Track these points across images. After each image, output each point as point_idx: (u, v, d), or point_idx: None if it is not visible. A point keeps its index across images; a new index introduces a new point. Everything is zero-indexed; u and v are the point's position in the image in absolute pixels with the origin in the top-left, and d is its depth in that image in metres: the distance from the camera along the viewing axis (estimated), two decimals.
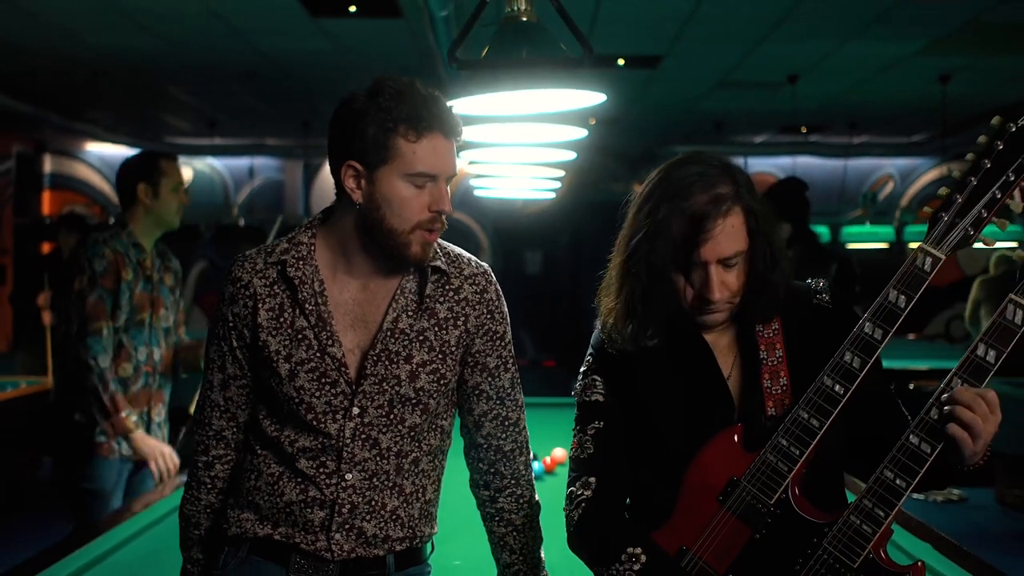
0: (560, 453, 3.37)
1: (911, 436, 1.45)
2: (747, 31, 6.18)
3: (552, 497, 1.96)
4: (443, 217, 1.65)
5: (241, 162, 11.38)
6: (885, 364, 5.09)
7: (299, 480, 1.68)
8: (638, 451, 1.64)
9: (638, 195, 1.64)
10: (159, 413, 3.48)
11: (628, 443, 1.64)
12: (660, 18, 5.88)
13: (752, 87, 7.84)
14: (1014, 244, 7.64)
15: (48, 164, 11.47)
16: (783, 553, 1.51)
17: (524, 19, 2.10)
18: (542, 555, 1.86)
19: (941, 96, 7.68)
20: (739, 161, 11.45)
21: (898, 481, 1.44)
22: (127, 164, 3.55)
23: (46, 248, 11.22)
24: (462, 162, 7.34)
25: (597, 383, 1.67)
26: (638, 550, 1.55)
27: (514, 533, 1.82)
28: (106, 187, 11.50)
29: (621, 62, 7.07)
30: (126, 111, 9.46)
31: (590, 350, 1.72)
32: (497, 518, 1.82)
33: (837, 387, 1.48)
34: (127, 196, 3.48)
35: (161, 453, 3.30)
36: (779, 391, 1.58)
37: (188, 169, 11.34)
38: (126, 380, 3.36)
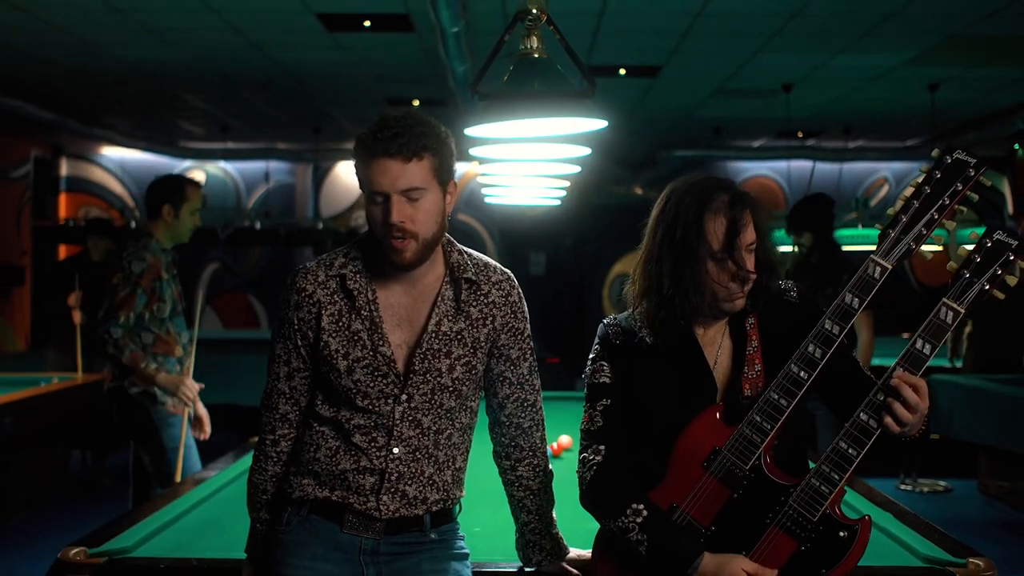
0: (566, 440, 3.67)
1: (861, 414, 1.74)
2: (743, 43, 6.42)
3: (559, 477, 2.24)
4: (398, 228, 1.86)
5: (252, 165, 11.55)
6: (877, 363, 5.44)
7: (353, 452, 1.96)
8: (636, 425, 1.94)
9: (660, 210, 1.94)
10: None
11: (629, 418, 1.94)
12: (659, 31, 6.13)
13: (748, 95, 8.06)
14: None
15: (64, 168, 11.72)
16: (756, 509, 1.81)
17: (536, 56, 2.40)
18: (554, 515, 2.16)
19: (931, 103, 7.94)
20: (737, 164, 11.72)
21: (850, 451, 1.74)
22: (157, 184, 4.08)
23: (63, 250, 11.49)
24: (466, 167, 7.58)
25: (604, 368, 1.98)
26: (640, 506, 1.85)
27: (531, 496, 2.12)
28: (121, 190, 11.74)
29: (622, 72, 7.33)
30: (143, 117, 9.67)
31: (597, 341, 2.03)
32: (517, 484, 2.12)
33: (802, 373, 1.78)
34: (152, 211, 4.03)
35: (183, 383, 3.80)
36: (754, 375, 1.89)
37: (201, 173, 11.56)
38: (182, 360, 3.92)
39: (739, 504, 1.82)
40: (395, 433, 1.95)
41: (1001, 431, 5.78)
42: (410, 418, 1.96)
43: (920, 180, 1.80)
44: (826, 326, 1.78)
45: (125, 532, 2.36)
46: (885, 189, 11.75)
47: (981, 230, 6.32)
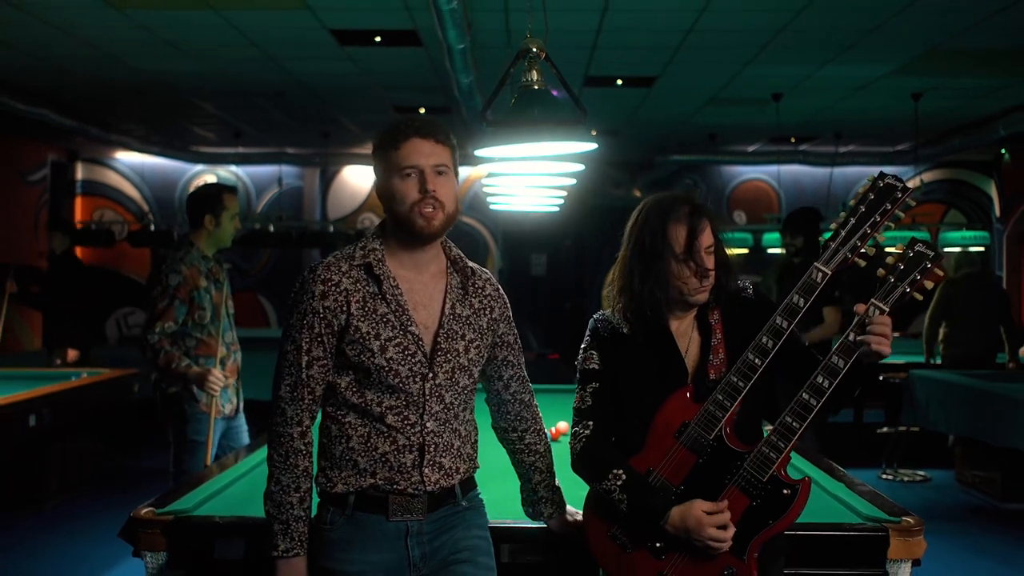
0: (564, 426, 4.03)
1: (803, 393, 2.11)
2: (733, 56, 6.76)
3: (557, 457, 2.55)
4: (432, 195, 2.10)
5: (262, 170, 11.85)
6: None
7: (388, 433, 2.11)
8: (621, 404, 2.31)
9: (632, 223, 2.33)
10: (238, 380, 4.39)
11: (614, 399, 2.31)
12: (653, 46, 6.48)
13: (740, 103, 8.38)
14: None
15: (80, 171, 12.06)
16: (718, 472, 2.18)
17: (536, 87, 2.77)
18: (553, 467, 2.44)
19: (915, 111, 8.23)
20: (732, 168, 12.05)
21: (794, 424, 2.11)
22: (195, 196, 4.35)
23: (79, 252, 11.85)
24: (469, 171, 7.95)
25: (594, 356, 2.36)
26: (620, 471, 2.22)
27: (540, 459, 2.41)
28: (135, 193, 12.09)
29: (619, 82, 7.67)
30: (158, 123, 10.00)
31: (588, 333, 2.41)
32: (526, 451, 2.40)
33: (756, 360, 2.15)
34: (194, 221, 4.30)
35: (210, 373, 4.06)
36: (718, 362, 2.26)
37: (212, 176, 11.90)
38: (224, 359, 4.22)
39: (704, 468, 2.19)
40: (426, 408, 2.13)
41: (973, 423, 6.14)
42: (436, 395, 2.14)
43: (856, 200, 2.16)
44: (777, 321, 2.15)
45: (185, 496, 2.74)
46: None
47: (970, 234, 6.76)
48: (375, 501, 2.11)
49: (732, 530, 2.13)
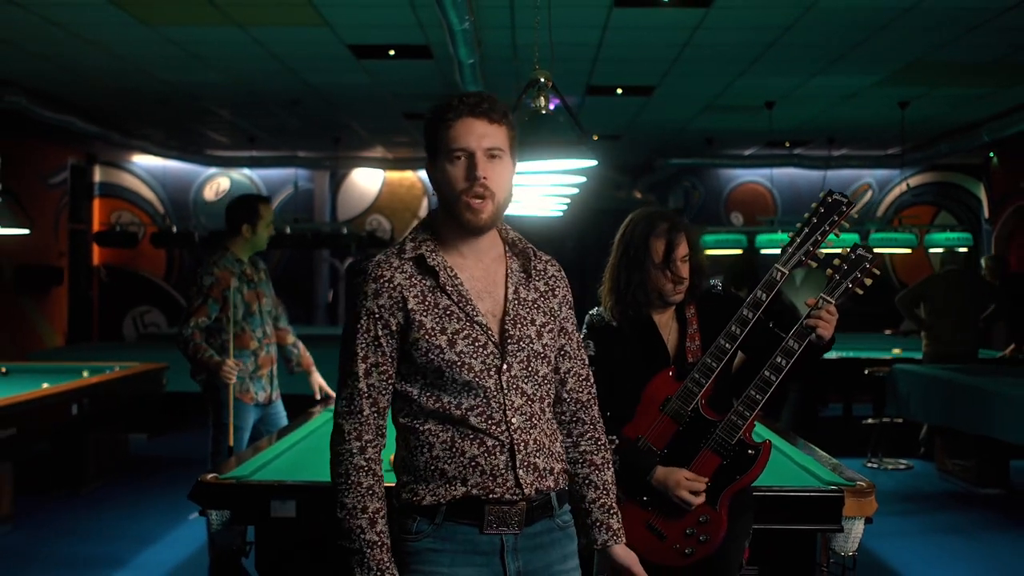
0: None
1: (766, 370, 2.53)
2: (726, 68, 7.18)
3: None
4: (481, 183, 1.90)
5: (274, 172, 12.22)
6: (854, 355, 6.74)
7: (473, 435, 1.90)
8: (614, 384, 2.72)
9: (620, 234, 2.76)
10: (273, 371, 4.75)
11: (608, 379, 2.73)
12: (651, 58, 6.90)
13: (735, 111, 8.79)
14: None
15: (97, 174, 12.45)
16: (695, 437, 2.60)
17: (544, 112, 3.19)
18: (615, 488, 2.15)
19: (901, 119, 8.64)
20: (730, 172, 12.44)
21: (757, 396, 2.53)
22: (233, 206, 4.77)
23: (96, 251, 12.26)
24: None
25: (590, 344, 2.77)
26: (613, 436, 2.63)
27: (596, 471, 2.10)
28: (151, 195, 12.49)
29: (619, 91, 8.08)
30: (176, 129, 10.42)
31: (584, 325, 2.81)
32: (580, 461, 2.10)
33: (726, 344, 2.56)
34: (232, 229, 4.73)
35: (224, 363, 4.42)
36: (695, 348, 2.68)
37: (225, 179, 12.32)
38: (256, 352, 4.61)
39: (683, 434, 2.60)
40: (507, 403, 1.94)
41: (950, 413, 6.55)
42: (515, 387, 1.96)
43: (809, 213, 2.58)
44: (744, 312, 2.57)
45: (242, 464, 3.17)
46: (869, 195, 12.40)
47: (954, 235, 7.26)
48: (469, 511, 1.91)
49: (703, 497, 2.54)
